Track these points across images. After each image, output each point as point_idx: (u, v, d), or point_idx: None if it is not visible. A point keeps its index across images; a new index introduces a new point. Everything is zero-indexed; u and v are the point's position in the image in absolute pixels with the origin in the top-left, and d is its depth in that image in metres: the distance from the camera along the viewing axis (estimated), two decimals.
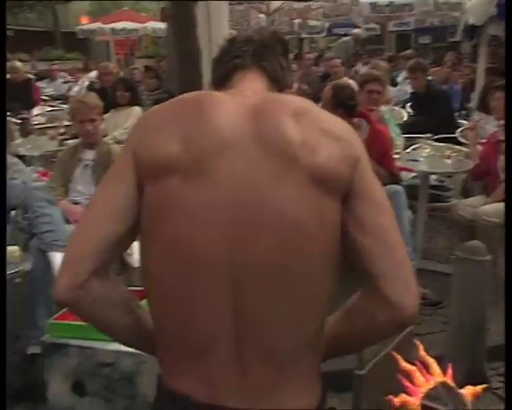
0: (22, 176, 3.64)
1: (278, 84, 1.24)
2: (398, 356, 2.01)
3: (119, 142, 5.05)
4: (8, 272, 2.77)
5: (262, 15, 13.47)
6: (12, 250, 3.03)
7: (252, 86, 1.19)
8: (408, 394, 1.90)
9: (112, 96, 5.73)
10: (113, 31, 15.80)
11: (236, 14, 13.59)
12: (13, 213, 3.57)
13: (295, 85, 7.38)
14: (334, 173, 1.05)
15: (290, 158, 1.03)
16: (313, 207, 1.03)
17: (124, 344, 1.26)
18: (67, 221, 3.44)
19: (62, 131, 5.32)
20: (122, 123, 5.58)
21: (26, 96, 7.92)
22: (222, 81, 1.23)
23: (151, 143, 1.07)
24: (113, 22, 16.02)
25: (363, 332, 1.14)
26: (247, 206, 1.02)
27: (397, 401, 1.95)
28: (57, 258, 3.22)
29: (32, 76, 9.38)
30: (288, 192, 1.02)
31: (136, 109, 5.64)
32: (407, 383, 1.97)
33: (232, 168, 1.03)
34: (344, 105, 3.67)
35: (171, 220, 1.04)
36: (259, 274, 1.03)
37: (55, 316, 2.04)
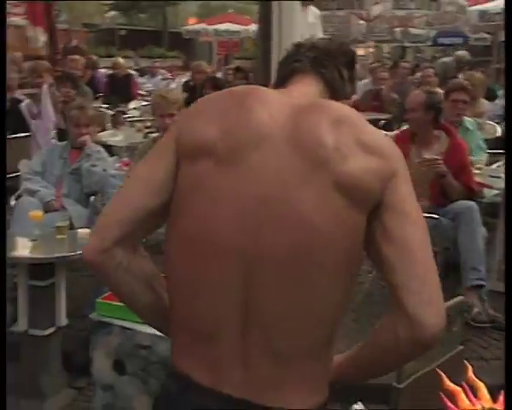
0: (103, 164, 3.82)
1: (334, 92, 1.25)
2: (443, 374, 1.94)
3: None
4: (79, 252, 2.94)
5: (362, 22, 13.32)
6: (87, 232, 3.20)
7: (304, 90, 1.21)
8: None
9: (199, 93, 5.89)
10: (217, 32, 16.25)
11: (337, 19, 13.53)
12: (92, 198, 3.78)
13: (386, 92, 7.25)
14: (361, 185, 1.05)
15: (319, 162, 1.05)
16: (334, 213, 1.04)
17: (140, 318, 1.30)
18: None
19: (149, 124, 5.55)
20: None
21: (125, 90, 8.33)
22: (281, 82, 1.27)
23: (192, 127, 1.12)
24: (217, 24, 16.47)
25: (386, 350, 1.11)
26: (270, 202, 1.05)
27: None
28: None
29: (133, 72, 9.83)
30: (311, 195, 1.04)
31: None
32: (449, 404, 1.90)
33: (263, 163, 1.06)
34: (435, 108, 3.62)
35: (196, 203, 1.08)
36: (272, 270, 1.04)
37: (103, 296, 2.15)
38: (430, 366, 2.12)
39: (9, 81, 5.51)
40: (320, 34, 5.86)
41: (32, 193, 3.75)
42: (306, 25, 5.69)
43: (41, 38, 12.33)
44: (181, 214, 1.10)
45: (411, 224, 1.07)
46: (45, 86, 5.08)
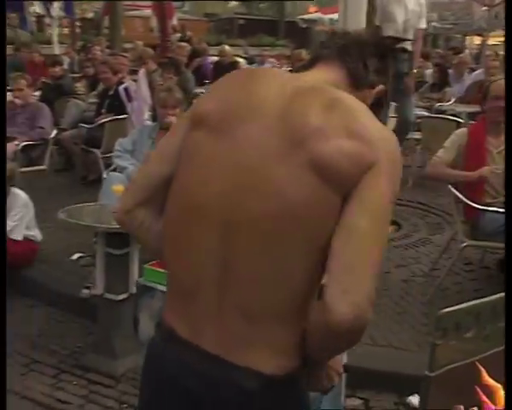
0: None
1: (357, 81, 1.25)
2: (483, 369, 1.88)
3: None
4: None
5: (484, 8, 12.66)
6: None
7: (322, 75, 1.24)
8: (481, 408, 1.79)
9: None
10: (332, 21, 16.15)
11: (456, 6, 12.96)
12: None
13: None
14: (335, 166, 1.06)
15: (299, 140, 1.09)
16: (307, 190, 1.07)
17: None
18: None
19: None
20: None
21: None
22: (308, 66, 1.30)
23: (199, 102, 1.25)
24: (333, 13, 16.37)
25: (309, 329, 1.13)
26: (250, 173, 1.10)
27: None
28: None
29: (241, 60, 10.06)
30: (287, 170, 1.08)
31: None
32: (484, 398, 1.85)
33: (247, 136, 1.12)
34: None
35: (187, 167, 1.17)
36: (246, 235, 1.09)
37: (150, 263, 2.29)
38: (469, 359, 2.06)
39: (118, 66, 5.89)
40: (420, 22, 5.69)
41: (122, 169, 4.02)
42: (406, 12, 5.56)
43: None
44: (176, 177, 1.19)
45: (369, 216, 1.06)
46: (141, 71, 5.38)
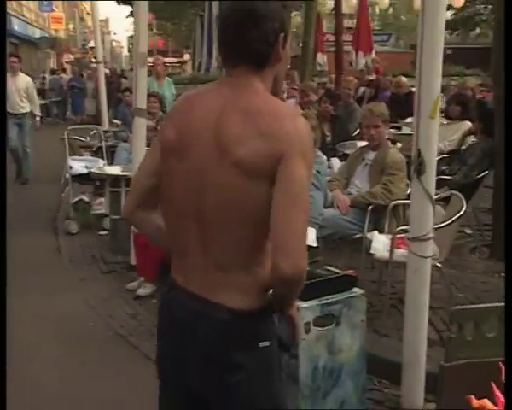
0: (318, 166, 4.53)
1: (258, 65, 1.54)
2: (503, 367, 2.11)
3: (441, 152, 5.48)
4: None
5: None
6: None
7: (236, 83, 1.56)
8: (494, 403, 2.01)
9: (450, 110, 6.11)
10: None
11: None
12: None
13: None
14: (253, 164, 1.45)
15: (225, 149, 1.48)
16: (239, 184, 1.48)
17: (158, 245, 1.86)
18: (331, 206, 4.21)
19: None
20: (449, 136, 5.92)
21: (404, 107, 8.83)
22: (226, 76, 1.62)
23: (163, 132, 1.65)
24: None
25: (271, 281, 1.54)
26: (202, 178, 1.53)
27: (476, 402, 2.12)
28: (308, 232, 4.03)
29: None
30: (223, 172, 1.49)
31: (466, 124, 5.88)
32: (498, 394, 2.07)
33: (198, 153, 1.54)
34: None
35: (170, 184, 1.63)
36: (210, 215, 1.57)
37: None
38: (489, 358, 2.25)
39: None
40: None
41: None
42: None
43: (361, 61, 13.64)
44: (164, 191, 1.69)
45: (289, 193, 1.44)
46: (289, 101, 6.02)
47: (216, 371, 1.58)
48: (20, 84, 9.03)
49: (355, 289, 2.35)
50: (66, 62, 35.78)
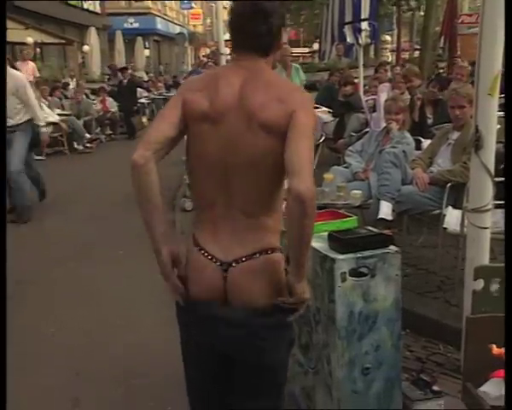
0: (404, 147, 4.72)
1: (264, 53, 1.93)
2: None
3: None
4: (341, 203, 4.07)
5: None
6: (358, 193, 4.30)
7: (253, 64, 1.92)
8: None
9: None
10: None
11: None
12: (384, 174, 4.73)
13: None
14: (274, 123, 1.81)
15: (251, 114, 1.83)
16: (263, 142, 1.83)
17: (146, 212, 1.92)
18: (410, 183, 4.42)
19: None
20: None
21: None
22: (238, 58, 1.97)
23: (194, 101, 1.90)
24: None
25: (287, 212, 1.84)
26: (233, 139, 1.85)
27: (496, 350, 2.39)
28: (383, 205, 4.28)
29: None
30: (251, 134, 1.83)
31: None
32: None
33: (228, 121, 1.86)
34: None
35: (202, 145, 1.90)
36: (237, 169, 1.90)
37: None
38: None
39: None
40: None
41: (348, 165, 4.99)
42: None
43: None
44: (193, 150, 1.92)
45: (300, 136, 1.77)
46: (381, 85, 6.17)
47: (244, 335, 1.90)
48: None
49: (391, 247, 2.63)
50: (203, 56, 37.67)
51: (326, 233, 2.68)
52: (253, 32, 1.89)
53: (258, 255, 1.88)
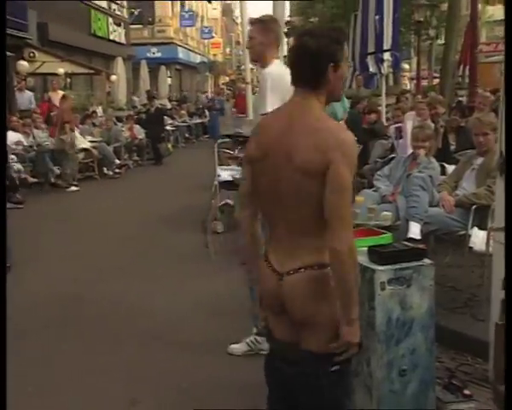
0: (430, 171, 5.01)
1: (317, 89, 2.11)
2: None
3: None
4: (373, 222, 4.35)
5: None
6: (387, 214, 4.58)
7: (301, 103, 2.13)
8: None
9: None
10: None
11: None
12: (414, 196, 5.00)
13: None
14: (309, 169, 2.00)
15: (289, 158, 2.05)
16: (299, 180, 2.04)
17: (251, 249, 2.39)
18: (437, 205, 4.69)
19: None
20: None
21: None
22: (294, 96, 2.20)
23: (248, 147, 2.28)
24: None
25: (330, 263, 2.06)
26: (276, 179, 2.10)
27: None
28: (412, 226, 4.56)
29: None
30: (289, 173, 2.05)
31: None
32: None
33: (273, 162, 2.10)
34: None
35: (259, 183, 2.19)
36: (286, 202, 2.12)
37: None
38: None
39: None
40: None
41: (377, 189, 5.28)
42: None
43: None
44: (255, 187, 2.22)
45: (337, 192, 1.96)
46: (408, 113, 6.46)
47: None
48: None
49: (425, 260, 2.91)
50: (223, 84, 38.43)
51: (364, 248, 2.98)
52: (299, 68, 2.11)
53: (303, 270, 2.12)
